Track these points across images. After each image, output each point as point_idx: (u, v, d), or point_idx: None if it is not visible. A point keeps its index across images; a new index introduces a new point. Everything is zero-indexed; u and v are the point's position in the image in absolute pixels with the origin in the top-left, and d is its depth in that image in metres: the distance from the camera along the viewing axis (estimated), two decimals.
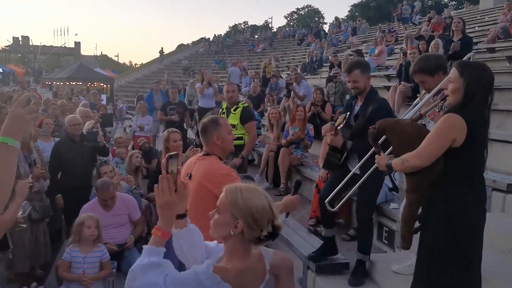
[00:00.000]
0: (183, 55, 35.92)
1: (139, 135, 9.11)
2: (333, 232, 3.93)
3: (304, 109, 7.07)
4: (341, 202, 3.63)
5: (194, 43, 44.19)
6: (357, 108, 3.74)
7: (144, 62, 45.07)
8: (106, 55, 72.01)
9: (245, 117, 5.68)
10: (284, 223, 5.12)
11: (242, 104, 5.91)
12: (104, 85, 26.36)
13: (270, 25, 55.93)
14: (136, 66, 58.42)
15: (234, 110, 5.72)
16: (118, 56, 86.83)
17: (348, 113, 3.68)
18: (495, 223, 3.78)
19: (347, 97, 8.07)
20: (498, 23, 12.28)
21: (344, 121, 3.55)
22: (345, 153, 3.68)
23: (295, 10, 63.24)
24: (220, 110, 6.02)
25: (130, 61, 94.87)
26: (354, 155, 3.68)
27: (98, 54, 65.72)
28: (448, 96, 2.50)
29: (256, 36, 36.10)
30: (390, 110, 3.78)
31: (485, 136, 2.44)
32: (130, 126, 11.46)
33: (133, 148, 7.91)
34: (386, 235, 4.63)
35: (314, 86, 10.07)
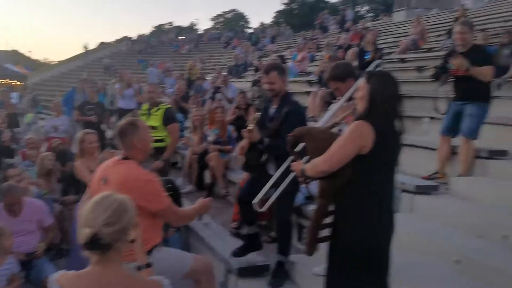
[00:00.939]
0: (105, 53, 34.52)
1: (53, 136, 8.58)
2: (255, 228, 3.98)
3: (223, 110, 7.09)
4: (268, 202, 3.62)
5: (116, 41, 42.61)
6: (272, 110, 3.82)
7: (61, 59, 42.65)
8: (17, 51, 67.01)
9: (167, 119, 5.59)
10: (207, 226, 5.08)
11: (164, 105, 5.81)
12: (16, 82, 24.54)
13: (196, 27, 55.51)
14: (52, 63, 55.10)
15: (156, 111, 5.60)
16: (31, 52, 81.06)
17: (260, 113, 3.76)
18: (403, 223, 4.02)
19: None
20: (409, 35, 13.15)
21: (256, 121, 3.60)
22: (263, 153, 3.73)
23: (221, 13, 63.35)
24: (140, 111, 5.86)
25: (45, 58, 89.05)
26: (272, 157, 3.74)
27: (9, 50, 61.05)
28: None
29: (182, 38, 35.61)
30: (303, 113, 3.89)
31: (395, 144, 2.48)
32: (43, 126, 10.77)
33: (47, 150, 7.43)
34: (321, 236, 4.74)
35: (239, 89, 10.14)
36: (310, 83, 11.25)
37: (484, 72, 4.61)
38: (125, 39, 37.54)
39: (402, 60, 11.11)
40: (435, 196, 4.37)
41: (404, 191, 4.50)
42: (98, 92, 11.88)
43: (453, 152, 5.05)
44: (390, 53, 12.71)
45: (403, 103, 2.51)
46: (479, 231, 3.64)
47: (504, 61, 7.51)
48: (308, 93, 9.56)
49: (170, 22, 60.57)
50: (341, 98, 3.31)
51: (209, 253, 4.31)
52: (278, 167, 3.62)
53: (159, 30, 54.68)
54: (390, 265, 2.58)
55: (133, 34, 45.60)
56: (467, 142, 4.72)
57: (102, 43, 44.84)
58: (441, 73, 4.98)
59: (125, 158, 2.92)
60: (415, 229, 3.91)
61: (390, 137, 2.42)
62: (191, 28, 52.05)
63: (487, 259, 3.17)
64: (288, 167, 3.39)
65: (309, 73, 12.86)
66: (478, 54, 4.71)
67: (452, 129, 4.89)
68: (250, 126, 3.60)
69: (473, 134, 4.69)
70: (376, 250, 2.44)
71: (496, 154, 4.78)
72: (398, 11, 20.74)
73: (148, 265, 2.11)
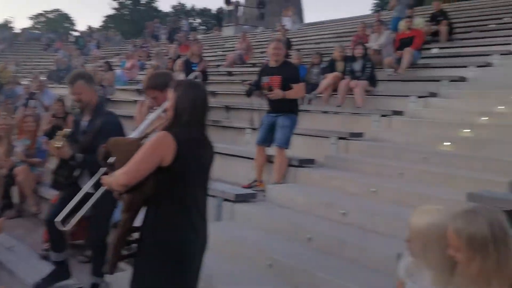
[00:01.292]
0: None
1: None
2: (64, 255, 3.62)
3: (37, 119, 6.42)
4: (72, 222, 3.38)
5: None
6: (84, 123, 3.57)
7: None
8: None
9: None
10: (10, 250, 4.49)
11: None
12: None
13: (11, 25, 49.53)
14: None
15: None
16: None
17: (70, 129, 3.48)
18: (224, 231, 4.14)
19: None
20: (236, 50, 13.82)
21: (64, 138, 3.32)
22: (74, 170, 3.45)
23: (43, 12, 57.90)
24: None
25: None
26: (86, 173, 3.48)
27: None
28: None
29: None
30: (119, 124, 3.69)
31: (203, 154, 2.43)
32: None
33: None
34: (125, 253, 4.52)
35: (58, 96, 9.31)
36: (139, 91, 10.94)
37: (297, 92, 5.15)
38: None
39: (230, 73, 11.61)
40: (253, 204, 4.60)
41: (225, 199, 4.63)
42: None
43: (270, 161, 5.41)
44: (219, 65, 13.20)
45: (209, 113, 2.48)
46: (289, 235, 3.93)
47: (314, 79, 8.40)
48: (136, 101, 9.29)
49: None
50: (158, 108, 3.25)
51: (11, 281, 3.79)
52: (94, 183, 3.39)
53: None
54: (201, 270, 2.49)
55: None
56: (280, 151, 5.10)
57: None
58: (255, 89, 5.30)
59: None
60: (234, 236, 4.05)
61: (195, 147, 2.36)
62: (5, 26, 46.18)
63: (295, 262, 3.42)
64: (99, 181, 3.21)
65: (138, 82, 12.53)
66: (288, 70, 5.17)
67: (267, 139, 5.25)
68: (58, 143, 3.29)
69: (285, 143, 5.09)
70: (181, 255, 2.33)
71: (305, 163, 5.27)
72: (227, 26, 21.71)
73: None
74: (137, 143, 2.54)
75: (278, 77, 5.05)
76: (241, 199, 4.58)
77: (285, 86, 5.03)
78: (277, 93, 4.96)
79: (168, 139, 2.26)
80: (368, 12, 34.62)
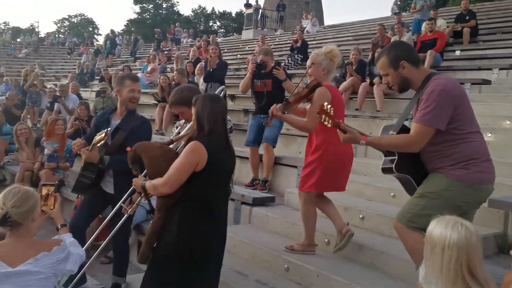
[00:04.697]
0: None
1: None
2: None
3: (65, 123, 6.59)
4: (101, 227, 3.54)
5: None
6: (115, 123, 3.60)
7: None
8: None
9: None
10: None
11: None
12: None
13: (36, 29, 50.76)
14: None
15: None
16: None
17: (109, 128, 3.50)
18: (242, 233, 4.17)
19: None
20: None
21: (106, 137, 3.36)
22: (100, 173, 3.52)
23: (67, 16, 59.20)
24: None
25: None
26: (109, 175, 3.55)
27: None
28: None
29: (19, 40, 32.19)
30: (150, 129, 3.73)
31: (227, 159, 2.63)
32: None
33: None
34: None
35: (84, 100, 9.50)
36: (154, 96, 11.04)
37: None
38: None
39: None
40: (271, 207, 4.61)
41: (243, 203, 4.67)
42: None
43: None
44: (239, 69, 13.27)
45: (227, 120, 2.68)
46: None
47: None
48: (156, 105, 9.42)
49: (6, 22, 54.43)
50: (186, 121, 3.28)
51: None
52: (118, 183, 3.46)
53: None
54: (218, 269, 2.74)
55: None
56: (269, 148, 5.41)
57: None
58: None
59: None
60: (252, 239, 4.05)
61: (220, 154, 2.56)
62: (30, 31, 47.38)
63: (311, 265, 3.42)
64: (122, 183, 3.30)
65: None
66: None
67: (256, 140, 5.54)
68: (95, 144, 3.32)
69: (273, 141, 5.43)
70: (198, 254, 2.53)
71: None
72: (247, 29, 21.81)
73: (64, 225, 2.38)
74: (166, 148, 2.71)
75: (269, 81, 5.38)
76: (258, 202, 4.61)
77: (276, 89, 5.31)
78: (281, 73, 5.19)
79: (201, 147, 2.47)
80: (388, 14, 34.17)
